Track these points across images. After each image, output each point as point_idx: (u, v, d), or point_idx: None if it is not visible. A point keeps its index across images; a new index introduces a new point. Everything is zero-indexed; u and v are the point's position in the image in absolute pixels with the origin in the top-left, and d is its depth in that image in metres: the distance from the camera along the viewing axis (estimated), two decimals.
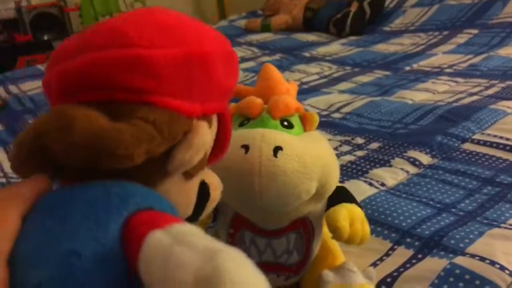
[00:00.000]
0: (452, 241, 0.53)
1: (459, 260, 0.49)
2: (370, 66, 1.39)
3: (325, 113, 1.03)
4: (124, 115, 0.24)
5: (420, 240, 0.55)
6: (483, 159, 0.73)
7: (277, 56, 1.63)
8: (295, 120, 0.46)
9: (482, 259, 0.49)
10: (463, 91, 1.05)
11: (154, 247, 0.21)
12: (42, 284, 0.21)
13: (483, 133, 0.81)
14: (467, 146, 0.78)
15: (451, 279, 0.47)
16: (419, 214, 0.60)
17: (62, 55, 0.26)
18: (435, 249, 0.53)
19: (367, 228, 0.45)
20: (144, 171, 0.25)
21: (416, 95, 1.06)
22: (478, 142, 0.78)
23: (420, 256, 0.53)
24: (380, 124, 0.93)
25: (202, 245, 0.20)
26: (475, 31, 1.54)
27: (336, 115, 1.01)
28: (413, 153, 0.77)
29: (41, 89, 1.42)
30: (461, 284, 0.46)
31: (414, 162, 0.75)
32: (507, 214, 0.58)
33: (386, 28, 1.81)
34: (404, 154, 0.77)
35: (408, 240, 0.56)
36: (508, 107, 0.90)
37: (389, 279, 0.49)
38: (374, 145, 0.83)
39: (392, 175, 0.71)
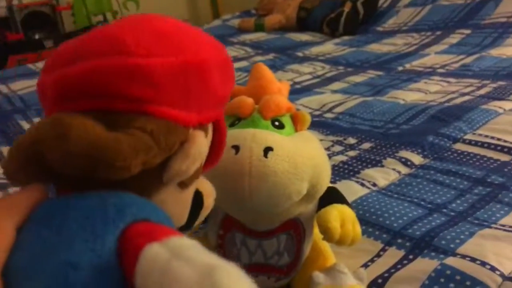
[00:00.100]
0: (443, 242, 0.53)
1: (450, 260, 0.49)
2: (363, 66, 1.39)
3: (317, 113, 1.03)
4: (121, 125, 0.24)
5: (411, 241, 0.55)
6: (475, 159, 0.73)
7: (271, 56, 1.62)
8: (286, 120, 0.46)
9: (473, 259, 0.49)
10: (455, 91, 1.05)
11: (151, 260, 0.21)
12: None
13: (474, 133, 0.81)
14: (459, 146, 0.78)
15: (442, 280, 0.47)
16: (410, 215, 0.60)
17: (60, 60, 0.26)
18: (426, 249, 0.53)
19: (358, 229, 0.45)
20: (140, 181, 0.25)
21: (408, 95, 1.07)
22: (469, 142, 0.78)
23: (411, 256, 0.53)
24: (372, 124, 0.93)
25: (199, 260, 0.20)
26: (467, 31, 1.54)
27: (329, 115, 1.01)
28: (405, 153, 0.77)
29: (31, 89, 1.41)
30: (451, 285, 0.46)
31: (405, 162, 0.75)
32: (498, 215, 0.59)
33: (379, 28, 1.82)
34: (396, 154, 0.77)
35: (399, 240, 0.55)
36: (500, 107, 0.90)
37: (380, 280, 0.49)
38: (366, 145, 0.83)
39: (384, 175, 0.71)
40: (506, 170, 0.69)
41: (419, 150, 0.77)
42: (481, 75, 1.14)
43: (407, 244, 0.55)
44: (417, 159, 0.75)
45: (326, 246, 0.51)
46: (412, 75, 1.23)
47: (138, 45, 0.25)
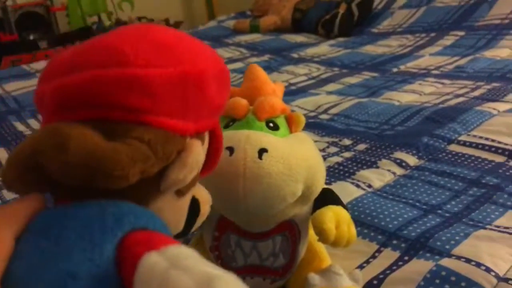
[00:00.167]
0: (438, 243, 0.53)
1: (445, 262, 0.49)
2: (358, 67, 1.40)
3: (312, 114, 1.03)
4: (119, 134, 0.24)
5: (407, 242, 0.55)
6: (469, 160, 0.74)
7: (266, 57, 1.62)
8: (281, 122, 0.46)
9: (468, 260, 0.49)
10: (449, 92, 1.06)
11: (149, 269, 0.21)
12: None
13: (469, 135, 0.81)
14: (453, 147, 0.78)
15: (437, 281, 0.47)
16: (405, 216, 0.60)
17: (58, 69, 0.26)
18: (421, 250, 0.53)
19: (353, 230, 0.44)
20: (137, 189, 0.25)
21: (403, 97, 1.07)
22: (464, 144, 0.79)
23: (406, 258, 0.53)
24: (367, 125, 0.93)
25: (197, 269, 0.20)
26: (461, 33, 1.55)
27: (324, 116, 1.01)
28: (400, 155, 0.77)
29: (26, 90, 1.40)
30: (447, 286, 0.46)
31: (400, 163, 0.75)
32: (492, 216, 0.59)
33: (374, 30, 1.82)
34: (390, 155, 0.77)
35: (395, 242, 0.55)
36: (494, 109, 0.90)
37: (375, 282, 0.49)
38: (361, 147, 0.83)
39: (379, 176, 0.71)
40: (500, 171, 0.69)
41: (414, 151, 0.78)
42: (475, 77, 1.15)
43: (402, 245, 0.55)
44: (412, 160, 0.76)
45: (321, 248, 0.50)
46: (407, 76, 1.23)
47: (137, 56, 0.25)
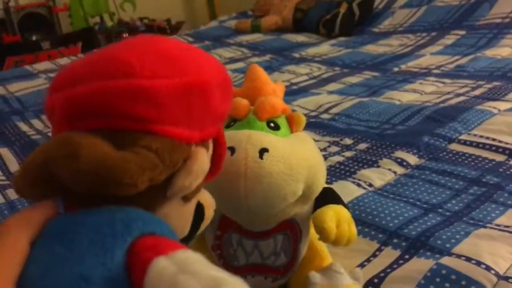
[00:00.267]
0: (439, 242, 0.54)
1: (445, 260, 0.50)
2: (359, 67, 1.40)
3: (314, 113, 1.03)
4: (128, 143, 0.25)
5: (407, 241, 0.55)
6: (470, 159, 0.74)
7: (267, 57, 1.63)
8: (282, 121, 0.46)
9: (468, 259, 0.49)
10: (450, 92, 1.06)
11: (158, 274, 0.22)
12: None
13: (469, 134, 0.82)
14: (454, 146, 0.79)
15: (438, 279, 0.47)
16: (406, 215, 0.60)
17: (67, 80, 0.27)
18: (421, 249, 0.53)
19: (353, 229, 0.45)
20: (145, 196, 0.26)
21: (404, 96, 1.07)
22: (464, 143, 0.79)
23: (407, 256, 0.53)
24: (368, 124, 0.93)
25: (205, 273, 0.21)
26: (462, 32, 1.55)
27: (325, 115, 1.01)
28: (401, 154, 0.77)
29: (29, 90, 1.41)
30: (447, 285, 0.47)
31: (401, 162, 0.75)
32: (493, 214, 0.59)
33: (375, 29, 1.82)
34: (391, 154, 0.78)
35: (395, 240, 0.56)
36: (495, 108, 0.91)
37: (376, 280, 0.50)
38: (362, 146, 0.83)
39: (380, 175, 0.72)
40: (501, 170, 0.69)
41: (415, 151, 0.78)
42: (476, 76, 1.15)
43: (403, 244, 0.55)
44: (412, 159, 0.76)
45: (322, 246, 0.51)
46: (408, 76, 1.23)
47: (143, 67, 0.26)
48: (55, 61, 1.77)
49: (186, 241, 0.32)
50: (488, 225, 0.57)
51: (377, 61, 1.43)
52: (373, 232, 0.58)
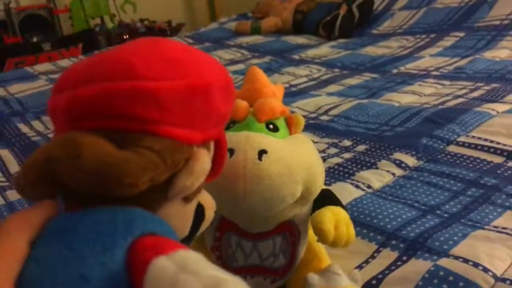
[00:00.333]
0: (437, 243, 0.54)
1: (443, 262, 0.50)
2: (358, 68, 1.40)
3: (313, 115, 1.04)
4: (130, 144, 0.25)
5: (405, 242, 0.55)
6: (468, 161, 0.74)
7: (267, 59, 1.63)
8: (281, 123, 0.47)
9: (466, 260, 0.50)
10: (449, 93, 1.06)
11: (158, 274, 0.22)
12: None
13: (468, 136, 0.82)
14: (452, 148, 0.79)
15: (435, 281, 0.48)
16: (404, 216, 0.60)
17: (71, 81, 0.27)
18: (419, 251, 0.54)
19: (352, 230, 0.45)
20: (146, 196, 0.26)
21: (403, 98, 1.08)
22: (463, 144, 0.79)
23: (405, 258, 0.53)
24: (367, 126, 0.93)
25: (206, 273, 0.21)
26: (461, 34, 1.56)
27: (324, 117, 1.01)
28: (399, 155, 0.78)
29: (29, 92, 1.41)
30: (445, 286, 0.47)
31: (400, 164, 0.75)
32: (490, 216, 0.59)
33: (375, 31, 1.83)
34: (390, 156, 0.78)
35: (393, 242, 0.56)
36: (493, 110, 0.91)
37: (374, 282, 0.50)
38: (361, 148, 0.83)
39: (379, 177, 0.72)
40: (499, 171, 0.70)
41: (413, 152, 0.78)
42: (474, 78, 1.15)
43: (401, 245, 0.55)
44: (411, 161, 0.76)
45: (321, 248, 0.51)
46: (407, 77, 1.24)
47: (148, 70, 0.26)
48: (56, 63, 1.78)
49: (186, 241, 0.32)
50: (486, 226, 0.57)
51: (377, 63, 1.43)
52: (371, 234, 0.58)
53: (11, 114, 1.25)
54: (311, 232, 0.49)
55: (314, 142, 0.84)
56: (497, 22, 1.56)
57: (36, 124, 1.17)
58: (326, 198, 0.47)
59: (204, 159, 0.29)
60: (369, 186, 0.70)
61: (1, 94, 1.42)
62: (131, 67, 0.26)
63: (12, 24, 2.44)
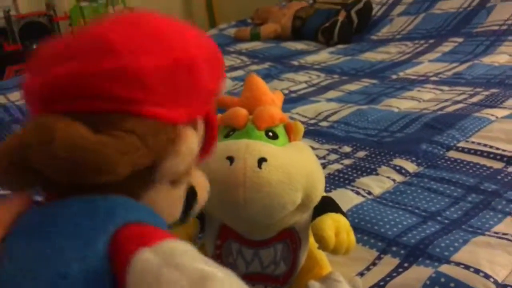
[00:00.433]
0: (437, 250, 0.54)
1: (444, 268, 0.50)
2: (357, 74, 1.41)
3: (313, 121, 1.04)
4: (109, 126, 0.24)
5: (406, 249, 0.55)
6: (468, 166, 0.74)
7: (266, 65, 1.63)
8: (280, 131, 0.47)
9: (467, 267, 0.50)
10: (448, 99, 1.06)
11: (142, 266, 0.21)
12: None
13: (467, 141, 0.82)
14: (452, 154, 0.79)
15: (437, 287, 0.47)
16: (405, 223, 0.60)
17: (47, 61, 0.26)
18: (420, 257, 0.54)
19: (352, 237, 0.45)
20: (130, 181, 0.25)
21: (402, 103, 1.08)
22: (462, 150, 0.79)
23: (406, 265, 0.53)
24: (366, 132, 0.93)
25: (192, 267, 0.20)
26: (460, 40, 1.56)
27: (324, 123, 1.02)
28: (399, 161, 0.78)
29: None
30: None
31: (400, 170, 0.75)
32: (491, 222, 0.59)
33: (373, 37, 1.84)
34: (390, 162, 0.78)
35: (394, 248, 0.56)
36: (492, 115, 0.91)
37: None
38: (361, 154, 0.83)
39: (379, 183, 0.72)
40: (499, 177, 0.70)
41: (413, 158, 0.78)
42: (473, 83, 1.15)
43: (402, 252, 0.55)
44: (411, 167, 0.76)
45: (321, 255, 0.51)
46: (406, 83, 1.24)
47: (128, 46, 0.24)
48: None
49: (179, 223, 0.30)
50: (486, 232, 0.57)
51: (376, 69, 1.43)
52: (372, 240, 0.58)
53: (11, 121, 1.25)
54: (311, 239, 0.49)
55: (314, 149, 0.84)
56: (496, 28, 1.56)
57: None
58: (327, 205, 0.47)
59: (190, 139, 0.27)
60: (369, 193, 0.70)
61: (2, 102, 1.42)
62: (108, 42, 0.24)
63: (12, 32, 2.45)
